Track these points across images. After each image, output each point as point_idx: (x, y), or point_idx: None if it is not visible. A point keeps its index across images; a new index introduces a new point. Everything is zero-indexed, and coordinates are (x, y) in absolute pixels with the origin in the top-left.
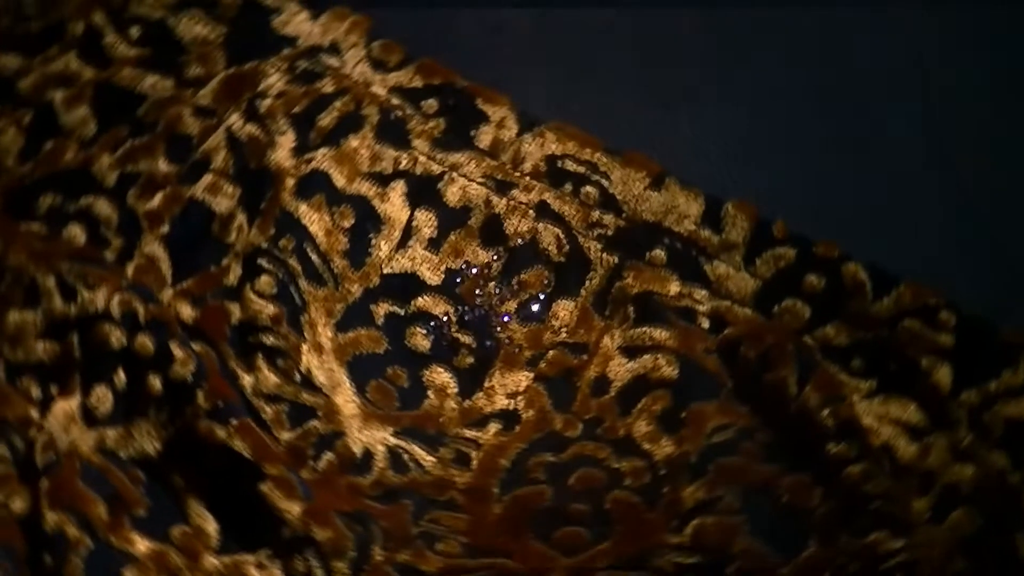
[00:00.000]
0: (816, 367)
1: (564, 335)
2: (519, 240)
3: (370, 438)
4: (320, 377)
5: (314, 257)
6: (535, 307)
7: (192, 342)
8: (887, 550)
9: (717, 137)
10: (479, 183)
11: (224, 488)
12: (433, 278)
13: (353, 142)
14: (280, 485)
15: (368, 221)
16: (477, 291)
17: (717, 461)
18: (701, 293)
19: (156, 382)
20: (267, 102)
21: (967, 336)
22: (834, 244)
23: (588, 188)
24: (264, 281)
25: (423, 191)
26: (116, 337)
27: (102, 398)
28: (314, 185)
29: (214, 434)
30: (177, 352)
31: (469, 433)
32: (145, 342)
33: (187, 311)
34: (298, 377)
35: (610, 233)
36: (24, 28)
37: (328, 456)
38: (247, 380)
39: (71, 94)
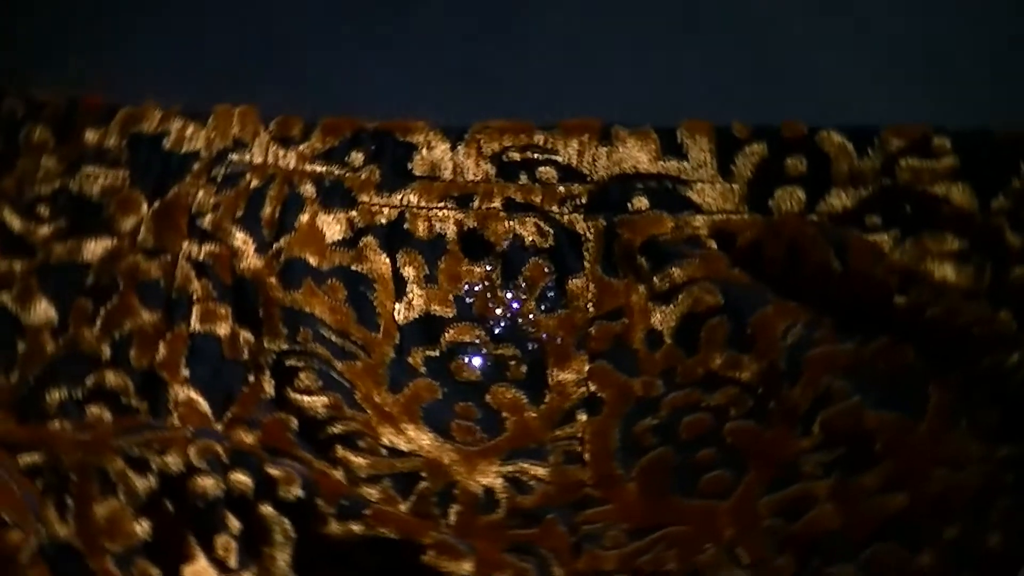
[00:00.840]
0: (848, 237)
1: (592, 309)
2: (503, 243)
3: (482, 475)
4: (403, 441)
5: (334, 338)
6: (550, 295)
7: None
8: (1007, 368)
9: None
10: (439, 208)
11: None
12: (446, 310)
13: (305, 221)
14: (442, 550)
15: (359, 285)
16: (490, 304)
17: (804, 358)
18: (696, 219)
19: (268, 509)
20: (208, 218)
21: (969, 151)
22: (798, 123)
23: (542, 169)
24: (304, 377)
25: (392, 237)
26: (212, 485)
27: (227, 547)
28: (295, 273)
29: (353, 532)
30: (276, 473)
31: (564, 432)
32: (240, 477)
33: (248, 438)
34: (384, 451)
35: (584, 200)
36: None
37: (455, 508)
38: (339, 475)
39: (17, 291)
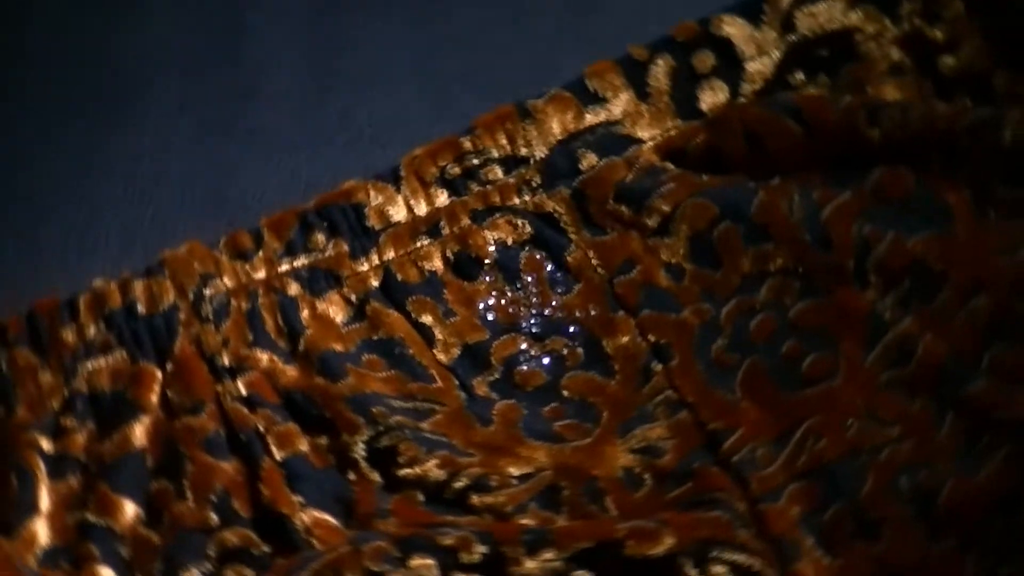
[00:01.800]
0: (791, 99)
1: (603, 271)
2: (489, 253)
3: (613, 459)
4: (525, 464)
5: (399, 403)
6: (558, 276)
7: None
8: (1003, 144)
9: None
10: (417, 248)
11: None
12: (479, 335)
13: (308, 316)
14: (638, 536)
15: (392, 350)
16: (511, 310)
17: (821, 221)
18: (644, 149)
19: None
20: (225, 356)
21: None
22: (688, 24)
23: (484, 171)
24: (405, 450)
25: (392, 293)
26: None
27: None
28: (332, 365)
29: (550, 560)
30: (450, 542)
31: (652, 388)
32: (421, 561)
33: (390, 527)
34: (514, 480)
35: (538, 180)
36: None
37: (609, 498)
38: (490, 519)
39: (94, 503)
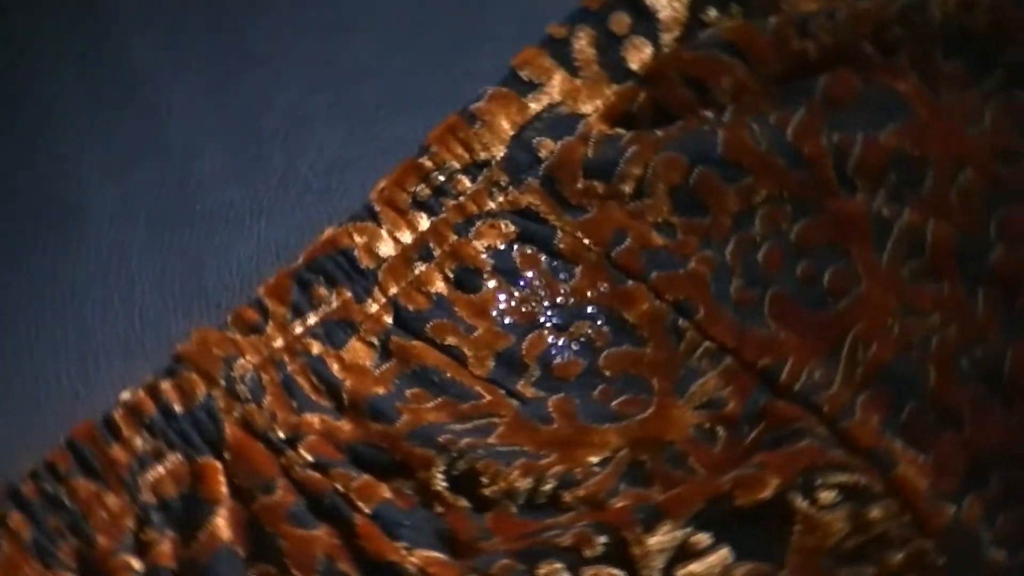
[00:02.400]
0: (717, 36)
1: (597, 247)
2: (484, 261)
3: (681, 421)
4: (599, 450)
5: (459, 427)
6: (555, 264)
7: None
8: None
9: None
10: (416, 277)
11: None
12: (505, 342)
13: (340, 369)
14: (744, 486)
15: (431, 379)
16: (525, 309)
17: (786, 140)
18: (593, 121)
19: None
20: (278, 431)
21: None
22: None
23: (452, 184)
24: (485, 468)
25: (408, 327)
26: None
27: None
28: (383, 409)
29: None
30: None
31: (688, 344)
32: (553, 566)
33: (507, 544)
34: (596, 468)
35: (505, 179)
36: None
37: (691, 459)
38: (586, 511)
39: None
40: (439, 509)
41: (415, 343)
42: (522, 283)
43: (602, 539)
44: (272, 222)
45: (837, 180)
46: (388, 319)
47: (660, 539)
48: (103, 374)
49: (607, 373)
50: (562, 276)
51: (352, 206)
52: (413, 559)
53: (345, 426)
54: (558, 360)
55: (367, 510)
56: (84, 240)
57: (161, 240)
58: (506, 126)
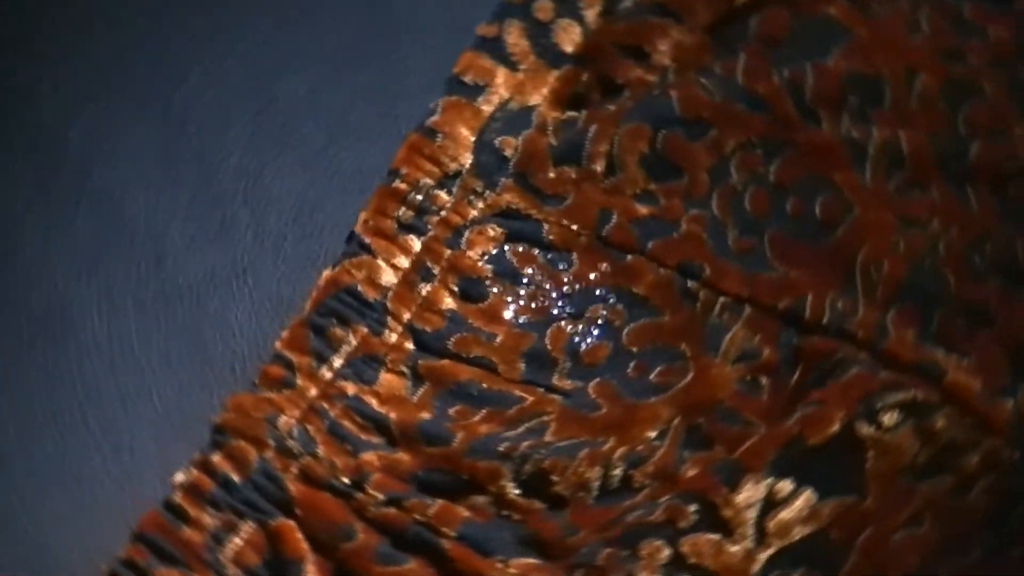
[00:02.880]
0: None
1: (586, 231)
2: (483, 269)
3: (723, 379)
4: (654, 423)
5: (512, 433)
6: (551, 256)
7: None
8: None
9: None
10: (423, 299)
11: None
12: (528, 341)
13: (379, 403)
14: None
15: (470, 393)
16: (535, 305)
17: (738, 76)
18: (544, 110)
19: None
20: (341, 477)
21: None
22: None
23: (430, 201)
24: (551, 466)
25: (431, 348)
26: None
27: None
28: (433, 433)
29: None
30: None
31: (705, 302)
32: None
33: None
34: (657, 442)
35: (479, 185)
36: None
37: (744, 414)
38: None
39: None
40: (517, 516)
41: (443, 362)
42: (525, 281)
43: (692, 508)
44: (259, 279)
45: (799, 114)
46: (409, 345)
47: (747, 495)
48: (140, 464)
49: (634, 349)
50: (561, 266)
51: (332, 246)
52: (511, 570)
53: (403, 457)
54: (584, 347)
55: (452, 533)
56: (78, 338)
57: (156, 321)
58: (466, 133)
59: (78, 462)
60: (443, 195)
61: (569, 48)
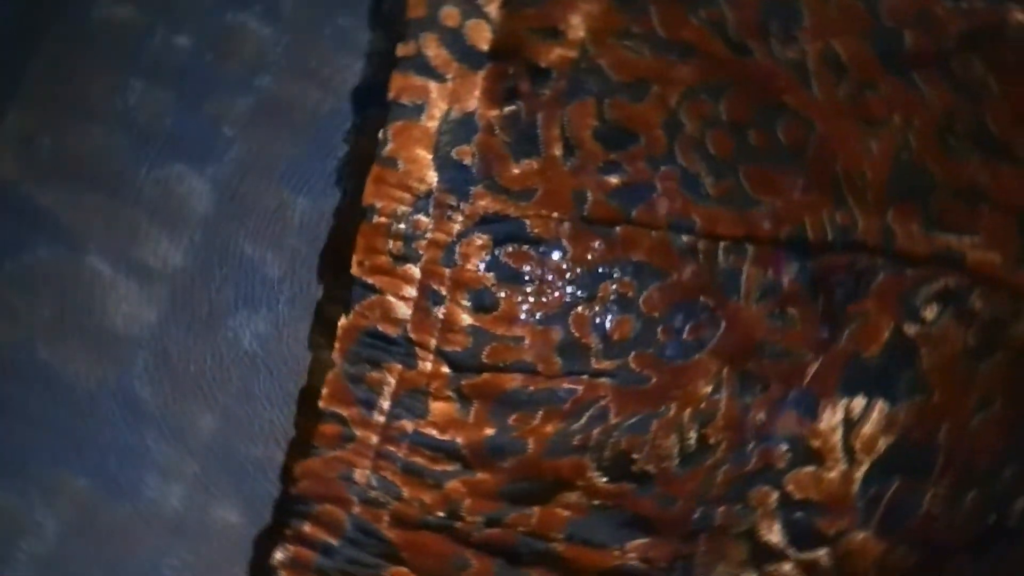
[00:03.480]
0: None
1: (566, 216)
2: (485, 277)
3: (754, 319)
4: (708, 377)
5: (577, 425)
6: (542, 249)
7: None
8: None
9: None
10: (442, 322)
11: None
12: (554, 334)
13: (437, 432)
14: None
15: (520, 399)
16: (545, 300)
17: (658, 31)
18: (484, 112)
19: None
20: (438, 513)
21: None
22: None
23: (413, 227)
24: (629, 445)
25: (467, 366)
26: None
27: None
28: (503, 447)
29: None
30: None
31: (705, 252)
32: None
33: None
34: (716, 394)
35: (452, 199)
36: None
37: (792, 348)
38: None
39: None
40: (611, 503)
41: (483, 377)
42: (527, 279)
43: (783, 447)
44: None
45: (729, 50)
46: (445, 369)
47: (827, 421)
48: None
49: (656, 314)
50: (556, 255)
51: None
52: (630, 555)
53: (485, 477)
54: (608, 325)
55: (560, 535)
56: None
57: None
58: (423, 153)
59: None
60: (422, 218)
61: (485, 46)
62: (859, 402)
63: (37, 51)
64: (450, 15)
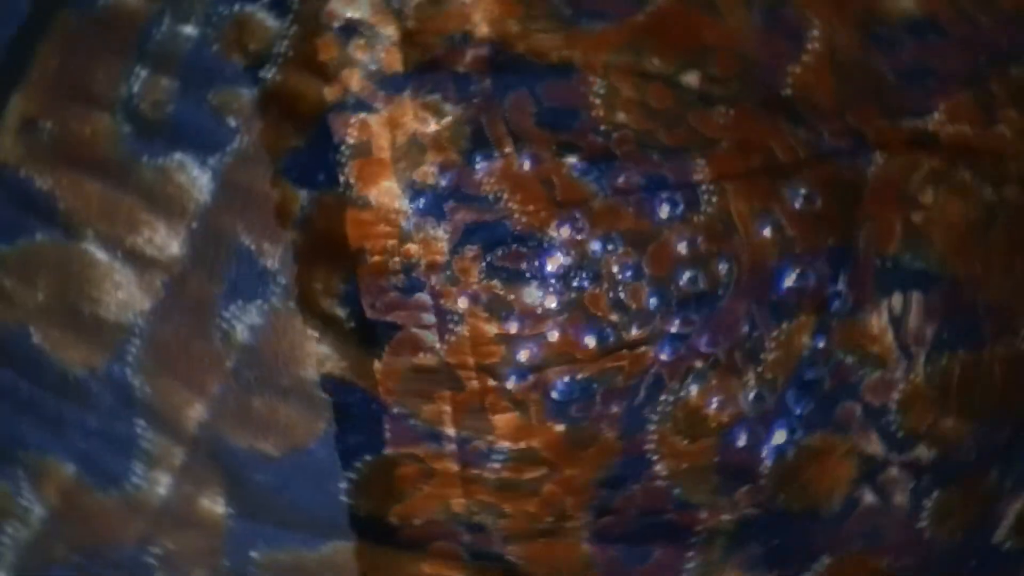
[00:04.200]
0: None
1: (542, 207)
2: (491, 287)
3: (764, 245)
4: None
5: (662, 401)
6: (531, 244)
7: None
8: None
9: None
10: (474, 344)
11: None
12: (578, 323)
13: (508, 444)
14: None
15: (589, 396)
16: (552, 291)
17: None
18: (423, 131)
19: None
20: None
21: None
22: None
23: (404, 257)
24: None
25: (509, 377)
26: None
27: None
28: (619, 481)
29: None
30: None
31: (689, 198)
32: None
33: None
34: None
35: (430, 221)
36: None
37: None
38: None
39: None
40: (701, 461)
41: (530, 379)
42: (528, 276)
43: (848, 360)
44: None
45: (635, 4)
46: (492, 382)
47: (875, 324)
48: None
49: (664, 273)
50: (546, 246)
51: None
52: (742, 502)
53: (573, 472)
54: (623, 297)
55: (671, 505)
56: None
57: None
58: (388, 184)
59: None
60: (412, 246)
61: (400, 68)
62: (897, 299)
63: (43, 36)
64: (359, 47)
